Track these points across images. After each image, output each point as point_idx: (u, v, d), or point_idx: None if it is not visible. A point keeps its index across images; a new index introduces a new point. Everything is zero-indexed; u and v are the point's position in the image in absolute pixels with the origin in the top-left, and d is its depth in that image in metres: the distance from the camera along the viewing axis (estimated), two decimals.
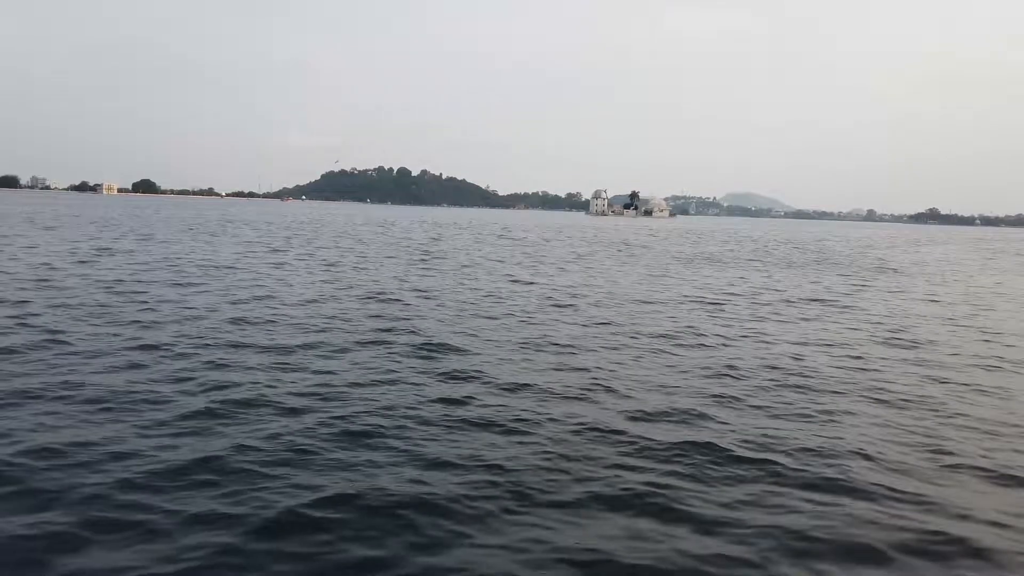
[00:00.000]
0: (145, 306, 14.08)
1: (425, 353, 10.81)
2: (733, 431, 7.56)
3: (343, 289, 18.23)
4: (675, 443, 7.06)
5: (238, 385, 8.50)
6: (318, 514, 5.29)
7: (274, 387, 8.49)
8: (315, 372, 9.34)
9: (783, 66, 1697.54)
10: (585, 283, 22.39)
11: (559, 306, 16.77)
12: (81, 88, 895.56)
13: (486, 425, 7.47)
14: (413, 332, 12.42)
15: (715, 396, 8.97)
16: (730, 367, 10.64)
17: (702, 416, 8.05)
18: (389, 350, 10.92)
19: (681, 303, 18.33)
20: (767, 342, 12.99)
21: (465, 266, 27.28)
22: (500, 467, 6.32)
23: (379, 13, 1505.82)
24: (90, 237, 34.61)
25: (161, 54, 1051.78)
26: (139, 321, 12.39)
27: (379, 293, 17.54)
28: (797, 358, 11.57)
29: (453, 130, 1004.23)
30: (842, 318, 16.60)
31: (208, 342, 10.86)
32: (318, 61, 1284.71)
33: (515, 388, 8.98)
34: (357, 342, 11.39)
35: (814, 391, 9.45)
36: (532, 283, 21.76)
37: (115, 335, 11.07)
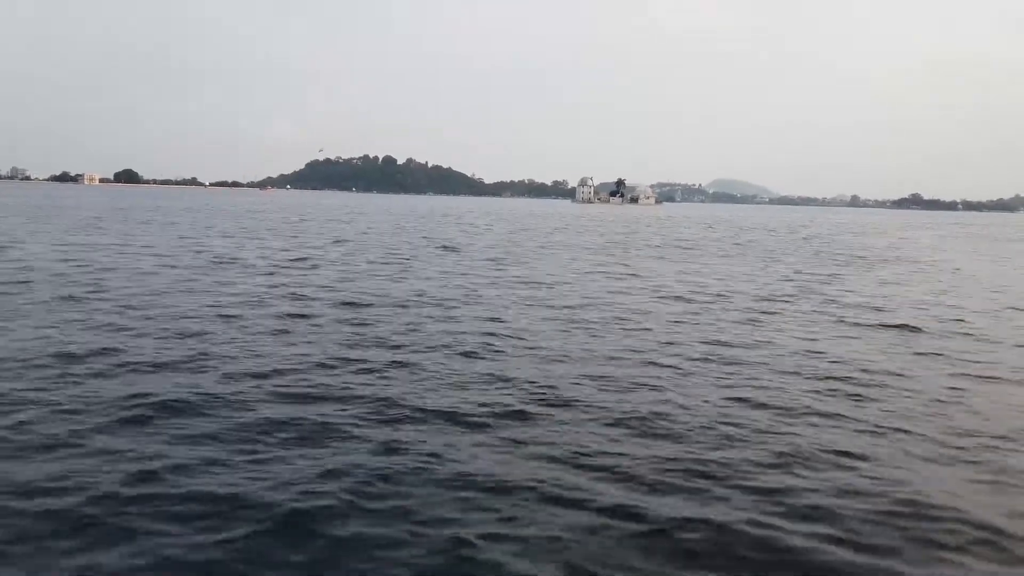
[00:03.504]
0: None
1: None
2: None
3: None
4: None
5: None
6: None
7: None
8: None
9: (771, 55, 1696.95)
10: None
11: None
12: (60, 79, 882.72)
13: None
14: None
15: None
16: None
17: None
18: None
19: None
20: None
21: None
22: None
23: (378, 12, 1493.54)
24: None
25: (149, 49, 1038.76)
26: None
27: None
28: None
29: (440, 121, 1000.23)
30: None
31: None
32: (309, 54, 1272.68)
33: None
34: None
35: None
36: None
37: None
